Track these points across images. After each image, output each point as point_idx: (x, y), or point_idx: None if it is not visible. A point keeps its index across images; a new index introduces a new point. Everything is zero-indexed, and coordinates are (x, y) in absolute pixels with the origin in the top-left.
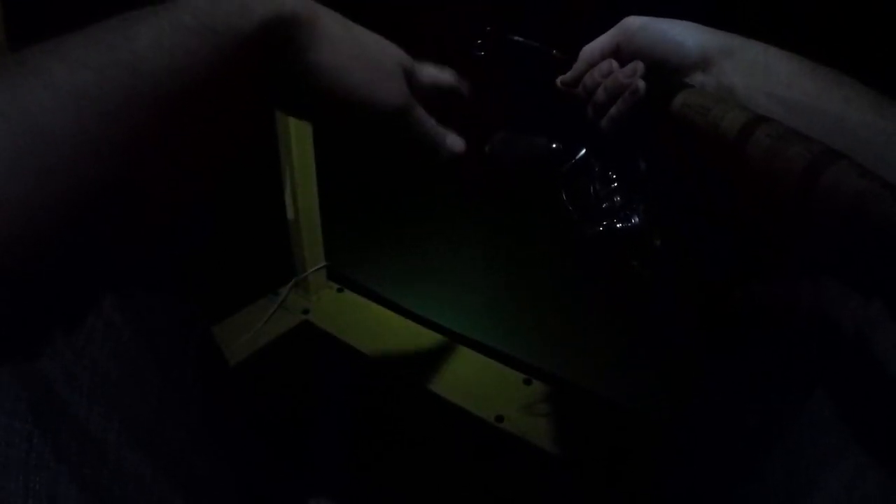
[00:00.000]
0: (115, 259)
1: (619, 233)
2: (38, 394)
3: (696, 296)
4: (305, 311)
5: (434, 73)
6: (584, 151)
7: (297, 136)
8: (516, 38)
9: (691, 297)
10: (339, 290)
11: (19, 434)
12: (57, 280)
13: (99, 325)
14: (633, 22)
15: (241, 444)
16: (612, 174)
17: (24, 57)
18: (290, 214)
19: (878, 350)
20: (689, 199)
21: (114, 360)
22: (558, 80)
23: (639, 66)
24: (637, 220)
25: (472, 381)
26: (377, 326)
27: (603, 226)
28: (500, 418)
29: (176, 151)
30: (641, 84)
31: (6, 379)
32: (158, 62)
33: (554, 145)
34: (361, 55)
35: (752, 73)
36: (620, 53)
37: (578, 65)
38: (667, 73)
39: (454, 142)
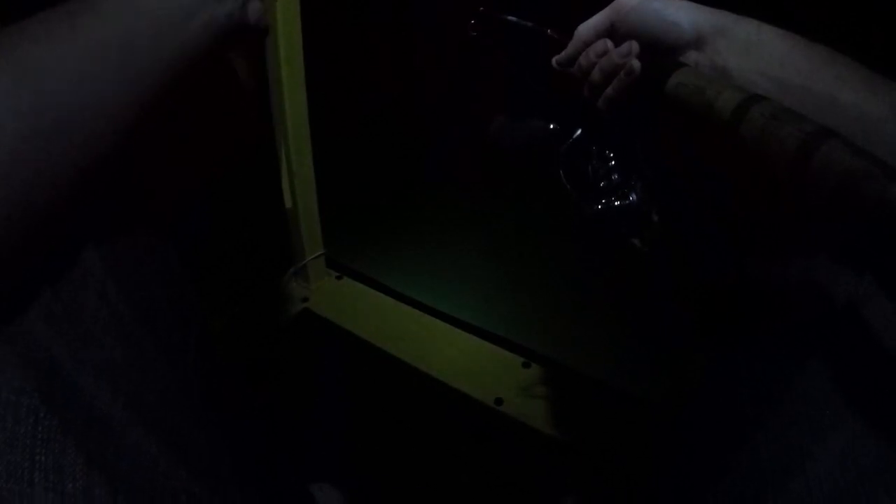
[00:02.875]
0: (119, 245)
1: (618, 210)
2: (45, 373)
3: (693, 273)
4: (305, 300)
5: None
6: (580, 131)
7: (294, 126)
8: (510, 17)
9: (688, 275)
10: (338, 278)
11: (26, 410)
12: (61, 264)
13: (103, 309)
14: (628, 1)
15: (241, 425)
16: (609, 153)
17: (12, 26)
18: (288, 203)
19: (870, 324)
20: (684, 177)
21: (118, 342)
22: (553, 60)
23: (633, 45)
24: (634, 197)
25: (471, 365)
26: (376, 313)
27: (601, 204)
28: (499, 401)
29: (167, 105)
30: (636, 64)
31: (13, 359)
32: (129, 17)
33: (551, 126)
34: None
35: (745, 51)
36: (615, 33)
37: (573, 44)
38: (661, 52)
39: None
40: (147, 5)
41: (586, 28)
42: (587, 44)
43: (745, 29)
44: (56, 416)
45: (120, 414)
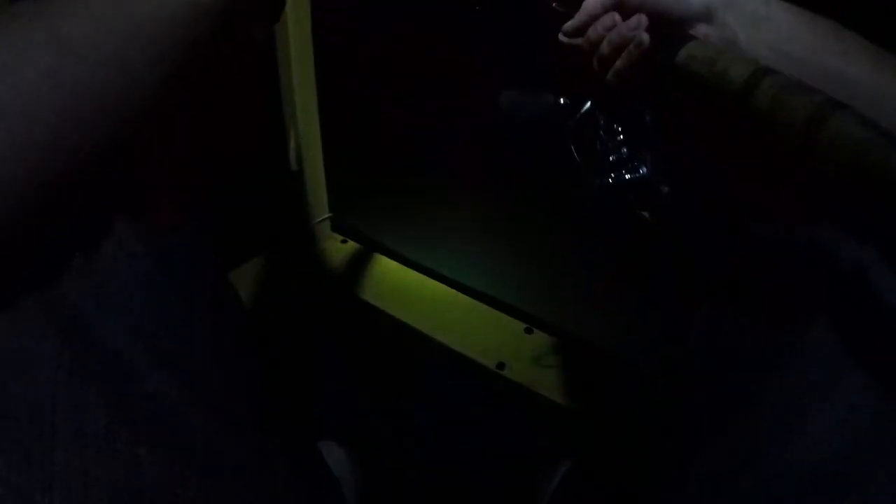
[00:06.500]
0: (138, 196)
1: (628, 183)
2: (66, 318)
3: (701, 243)
4: (309, 262)
5: None
6: (589, 104)
7: (301, 88)
8: None
9: (696, 245)
10: (343, 242)
11: (48, 356)
12: (81, 212)
13: (122, 255)
14: None
15: (256, 370)
16: (619, 126)
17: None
18: (293, 166)
19: (872, 290)
20: (694, 149)
21: (137, 287)
22: (560, 34)
23: (642, 18)
24: (644, 170)
25: (474, 329)
26: (381, 277)
27: (612, 177)
28: (501, 366)
29: (189, 75)
30: (645, 37)
31: (34, 305)
32: None
33: (561, 100)
34: None
35: (753, 25)
36: (623, 6)
37: (580, 17)
38: (670, 25)
39: None
40: None
41: (594, 1)
42: (595, 17)
43: (754, 2)
44: (77, 361)
45: (140, 358)
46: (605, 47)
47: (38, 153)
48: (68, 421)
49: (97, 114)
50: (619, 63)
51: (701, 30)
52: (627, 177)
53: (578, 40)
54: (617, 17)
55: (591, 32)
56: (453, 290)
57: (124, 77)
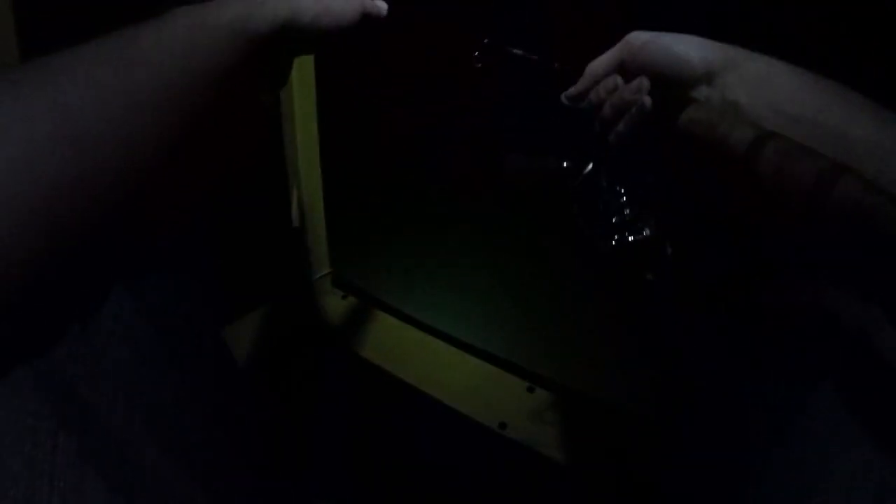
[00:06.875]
0: (134, 263)
1: (631, 246)
2: (62, 395)
3: (704, 300)
4: (310, 318)
5: None
6: (591, 166)
7: (304, 144)
8: (515, 50)
9: (699, 302)
10: (344, 297)
11: (45, 434)
12: (76, 284)
13: (118, 328)
14: (638, 37)
15: (252, 440)
16: (621, 188)
17: (49, 60)
18: (295, 221)
19: (878, 351)
20: (696, 210)
21: (133, 361)
22: (563, 96)
23: (644, 82)
24: (648, 232)
25: (475, 388)
26: (381, 333)
27: (615, 240)
28: (503, 425)
29: (191, 141)
30: (647, 100)
31: (30, 382)
32: (164, 57)
33: (564, 162)
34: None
35: (756, 86)
36: (625, 69)
37: (584, 81)
38: (672, 87)
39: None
40: (186, 48)
41: (596, 64)
42: (597, 80)
43: (756, 64)
44: (74, 439)
45: (137, 435)
46: (607, 110)
47: (35, 220)
48: (66, 503)
49: (96, 180)
50: (621, 126)
51: (702, 92)
52: (630, 238)
53: (581, 103)
54: (619, 80)
55: (594, 95)
56: (454, 348)
57: (124, 144)
